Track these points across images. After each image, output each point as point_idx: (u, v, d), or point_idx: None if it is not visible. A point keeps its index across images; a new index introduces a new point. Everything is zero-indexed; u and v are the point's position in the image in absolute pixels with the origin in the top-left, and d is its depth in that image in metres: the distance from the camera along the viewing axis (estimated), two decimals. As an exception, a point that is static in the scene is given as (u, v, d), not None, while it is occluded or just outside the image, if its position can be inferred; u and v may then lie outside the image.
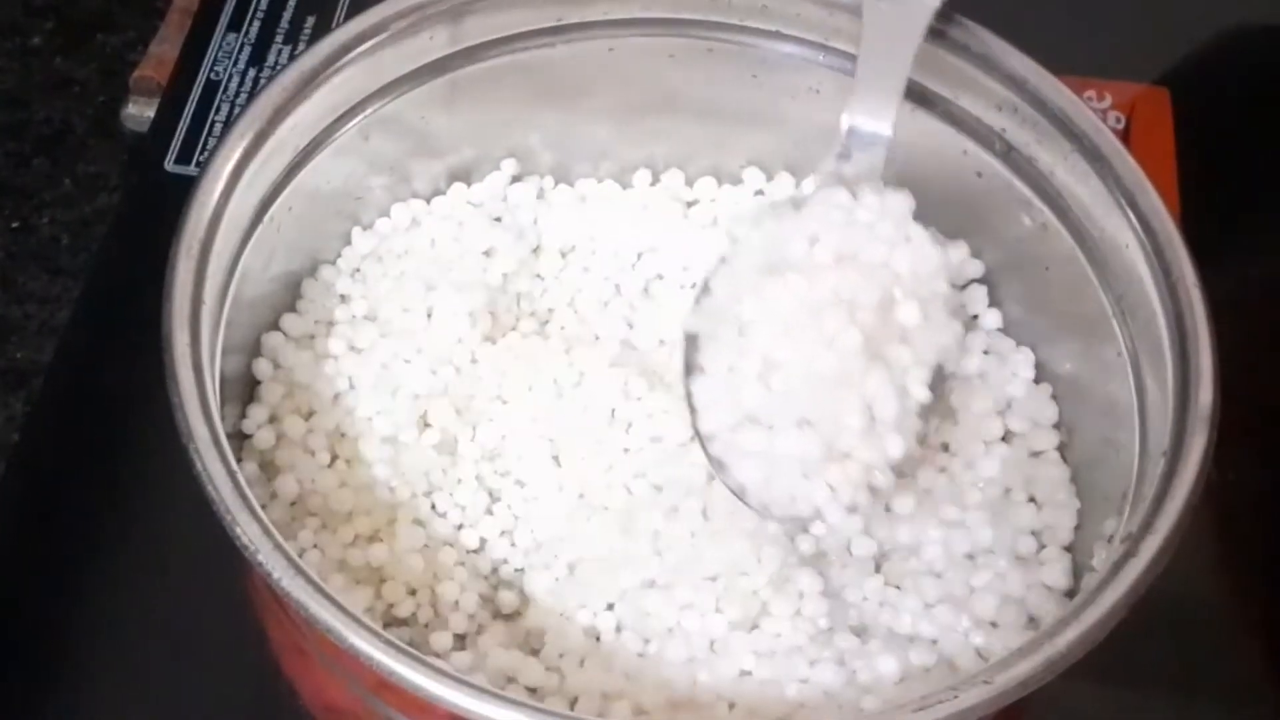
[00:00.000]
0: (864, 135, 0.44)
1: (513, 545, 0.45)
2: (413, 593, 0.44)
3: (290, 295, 0.48)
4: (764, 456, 0.42)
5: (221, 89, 0.59)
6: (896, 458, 0.42)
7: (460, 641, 0.43)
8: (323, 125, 0.46)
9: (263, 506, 0.38)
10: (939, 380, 0.43)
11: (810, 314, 0.41)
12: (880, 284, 0.42)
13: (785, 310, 0.42)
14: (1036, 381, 0.48)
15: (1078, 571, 0.44)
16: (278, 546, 0.36)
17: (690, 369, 0.44)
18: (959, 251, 0.49)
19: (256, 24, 0.61)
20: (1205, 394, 0.39)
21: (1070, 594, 0.43)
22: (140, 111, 0.60)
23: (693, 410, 0.44)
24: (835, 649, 0.42)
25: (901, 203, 0.43)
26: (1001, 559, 0.44)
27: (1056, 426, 0.47)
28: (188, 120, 0.58)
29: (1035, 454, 0.46)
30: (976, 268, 0.49)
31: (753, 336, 0.42)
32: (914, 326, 0.42)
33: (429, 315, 0.48)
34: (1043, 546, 0.45)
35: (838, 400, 0.41)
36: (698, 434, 0.43)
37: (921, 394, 0.42)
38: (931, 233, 0.43)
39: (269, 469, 0.45)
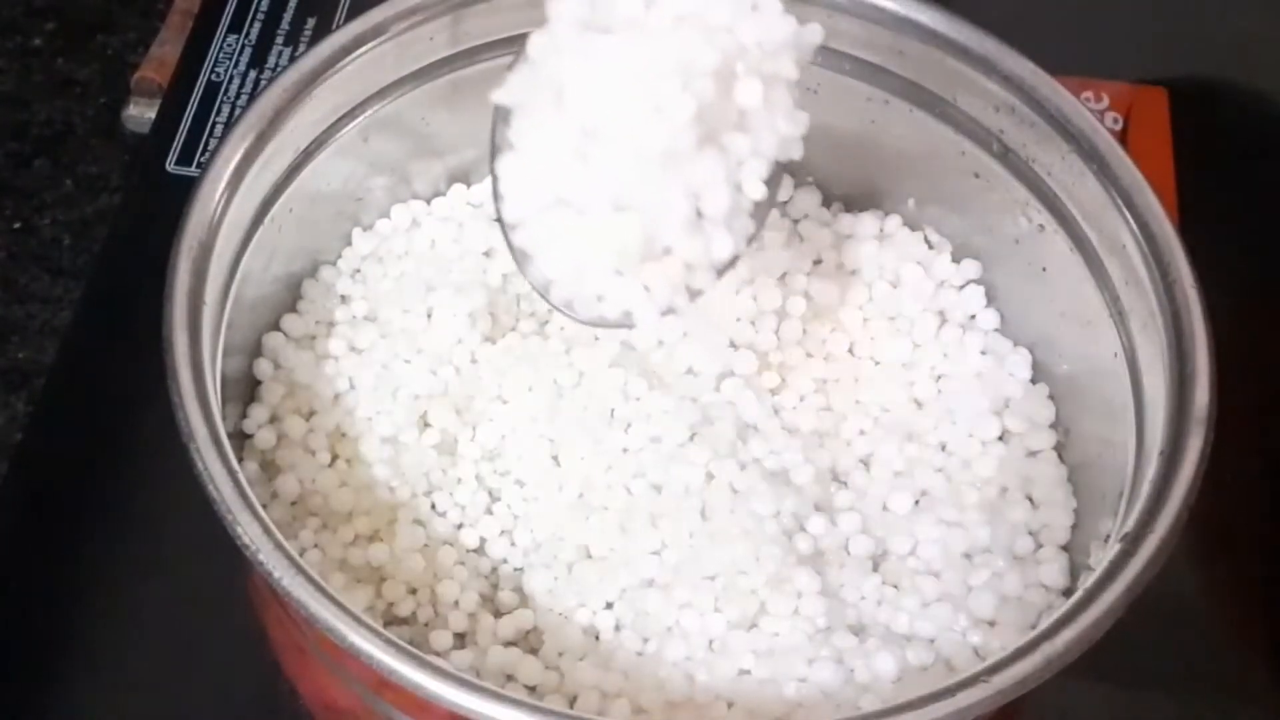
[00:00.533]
0: None
1: (512, 545, 0.45)
2: (413, 592, 0.44)
3: (291, 296, 0.48)
4: (574, 245, 0.38)
5: (222, 90, 0.59)
6: (723, 259, 0.39)
7: (460, 640, 0.43)
8: (323, 126, 0.46)
9: (263, 506, 0.38)
10: (775, 177, 0.40)
11: (638, 78, 0.37)
12: (722, 50, 0.37)
13: (610, 73, 0.37)
14: (1034, 381, 0.48)
15: (1075, 571, 0.44)
16: (278, 546, 0.36)
17: (498, 149, 0.40)
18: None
19: (257, 25, 0.61)
20: (1202, 394, 0.39)
21: (1067, 593, 0.43)
22: (141, 112, 0.60)
23: (497, 196, 0.40)
24: (833, 648, 0.42)
25: None
26: (999, 558, 0.44)
27: (1053, 426, 0.47)
28: (189, 121, 0.58)
29: (1032, 454, 0.47)
30: (974, 268, 0.49)
31: (570, 104, 0.38)
32: (754, 110, 0.38)
33: (429, 316, 0.48)
34: (1040, 546, 0.45)
35: (662, 184, 0.37)
36: (501, 223, 0.40)
37: (756, 190, 0.39)
38: (784, 5, 0.39)
39: (270, 469, 0.45)
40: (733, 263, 0.39)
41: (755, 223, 0.40)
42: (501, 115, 0.40)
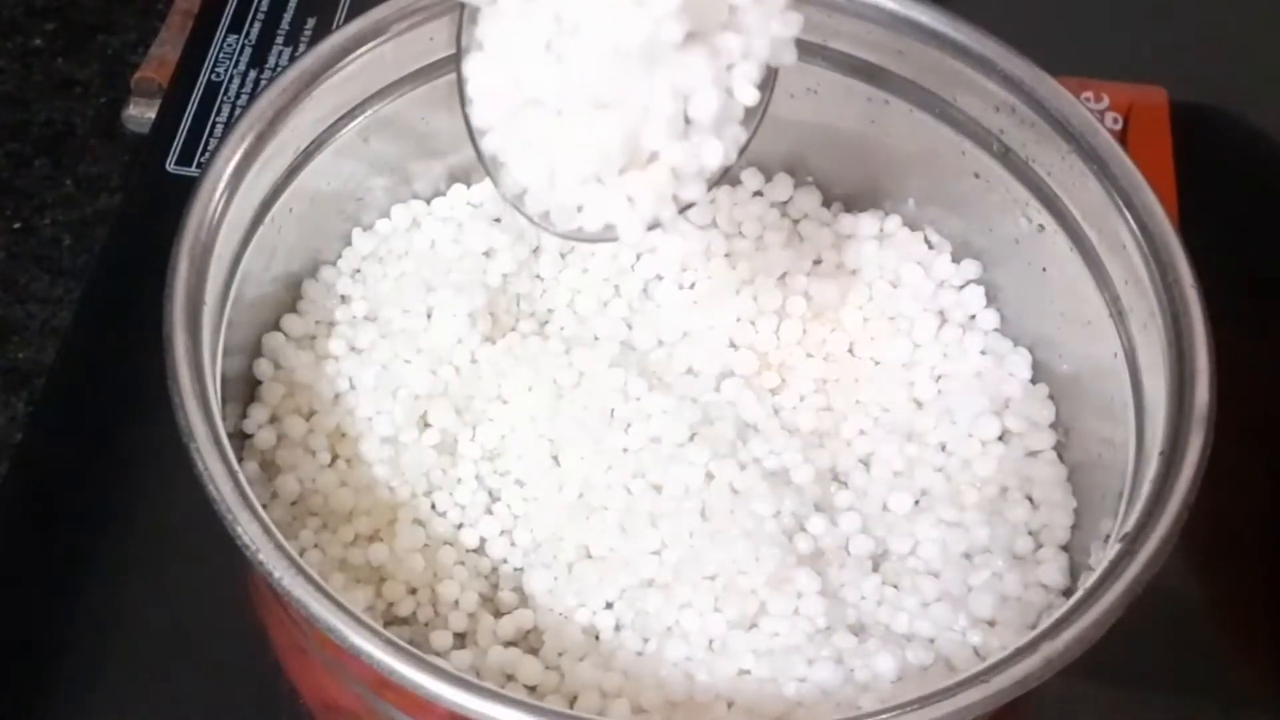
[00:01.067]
0: None
1: (512, 545, 0.45)
2: (413, 592, 0.44)
3: (291, 296, 0.48)
4: (548, 148, 0.36)
5: (222, 90, 0.59)
6: (713, 168, 0.37)
7: (460, 640, 0.43)
8: (323, 126, 0.46)
9: (263, 506, 0.38)
10: (767, 81, 0.38)
11: None
12: None
13: None
14: (1033, 381, 0.48)
15: (1075, 571, 0.44)
16: (278, 546, 0.36)
17: (465, 49, 0.38)
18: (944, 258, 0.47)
19: (257, 25, 0.61)
20: (1202, 394, 0.39)
21: (1067, 593, 0.43)
22: (141, 112, 0.60)
23: (465, 100, 0.37)
24: (833, 648, 0.42)
25: None
26: (999, 558, 0.44)
27: (1053, 426, 0.47)
28: (189, 121, 0.58)
29: (1032, 454, 0.47)
30: (974, 268, 0.49)
31: None
32: (745, 6, 0.36)
33: (429, 316, 0.48)
34: (1040, 546, 0.45)
35: (645, 81, 0.35)
36: (469, 128, 0.38)
37: (749, 96, 0.36)
38: None
39: (270, 469, 0.45)
40: (724, 174, 0.37)
41: (746, 131, 0.37)
42: (469, 15, 0.37)
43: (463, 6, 0.38)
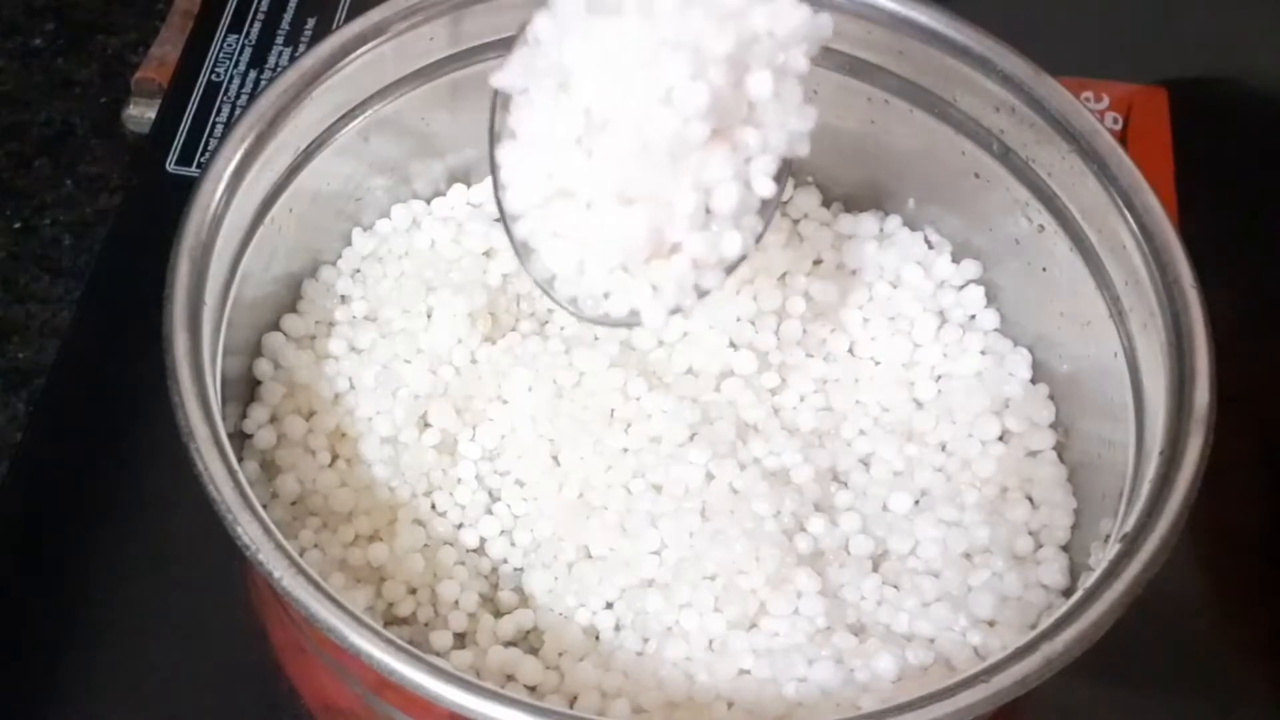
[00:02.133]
0: None
1: (512, 545, 0.45)
2: (413, 592, 0.44)
3: (291, 296, 0.48)
4: (578, 239, 0.37)
5: (222, 90, 0.59)
6: (732, 258, 0.38)
7: (460, 640, 0.43)
8: (323, 126, 0.46)
9: (263, 506, 0.38)
10: (782, 173, 0.39)
11: (646, 64, 0.36)
12: (734, 35, 0.36)
13: (616, 55, 0.36)
14: (1034, 381, 0.48)
15: (1075, 571, 0.44)
16: (278, 546, 0.36)
17: (498, 136, 0.39)
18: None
19: (257, 25, 0.61)
20: (1202, 394, 0.39)
21: (1067, 593, 0.43)
22: (141, 113, 0.60)
23: (498, 186, 0.39)
24: (833, 648, 0.42)
25: None
26: (999, 558, 0.44)
27: (1053, 426, 0.47)
28: (189, 121, 0.58)
29: (1032, 454, 0.47)
30: (974, 268, 0.49)
31: (575, 90, 0.36)
32: (764, 102, 0.37)
33: (429, 316, 0.48)
34: (1040, 546, 0.45)
35: (670, 176, 0.36)
36: (502, 214, 0.39)
37: (766, 188, 0.38)
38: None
39: (270, 469, 0.45)
40: (740, 262, 0.39)
41: (763, 221, 0.39)
42: (501, 101, 0.39)
43: (496, 92, 0.39)
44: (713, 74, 0.36)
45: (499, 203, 0.40)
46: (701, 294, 0.39)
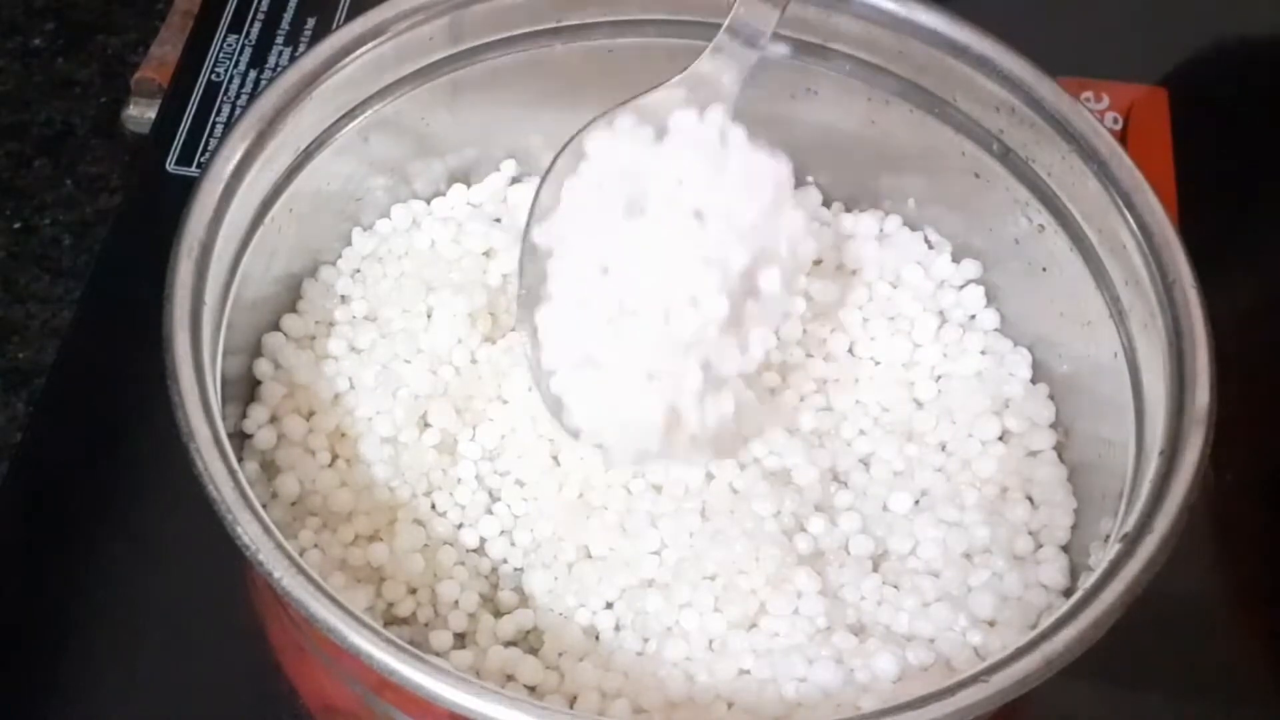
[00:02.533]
0: (744, 31, 0.44)
1: (512, 545, 0.45)
2: (413, 592, 0.44)
3: (291, 296, 0.48)
4: (603, 407, 0.42)
5: (222, 90, 0.59)
6: (728, 415, 0.43)
7: (460, 640, 0.43)
8: (323, 126, 0.46)
9: (263, 506, 0.38)
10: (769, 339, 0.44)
11: (677, 270, 0.41)
12: (751, 250, 0.41)
13: (650, 259, 0.41)
14: (1034, 381, 0.48)
15: (1075, 571, 0.44)
16: (278, 546, 0.36)
17: (540, 298, 0.43)
18: (945, 260, 0.49)
19: (257, 25, 0.61)
20: (1202, 394, 0.39)
21: (1067, 593, 0.43)
22: (141, 113, 0.60)
23: (536, 344, 0.43)
24: (833, 648, 0.42)
25: (780, 169, 0.43)
26: (999, 558, 0.44)
27: (1053, 426, 0.47)
28: (189, 121, 0.58)
29: (1032, 453, 0.47)
30: (974, 268, 0.49)
31: (613, 279, 0.41)
32: (771, 294, 0.42)
33: (429, 316, 0.48)
34: (1040, 546, 0.45)
35: (686, 358, 0.41)
36: (538, 367, 0.44)
37: (756, 360, 0.43)
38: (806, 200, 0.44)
39: (270, 469, 0.45)
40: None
41: (746, 388, 0.44)
42: (530, 251, 0.43)
43: (524, 239, 0.44)
44: (733, 285, 0.41)
45: (535, 360, 0.44)
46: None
